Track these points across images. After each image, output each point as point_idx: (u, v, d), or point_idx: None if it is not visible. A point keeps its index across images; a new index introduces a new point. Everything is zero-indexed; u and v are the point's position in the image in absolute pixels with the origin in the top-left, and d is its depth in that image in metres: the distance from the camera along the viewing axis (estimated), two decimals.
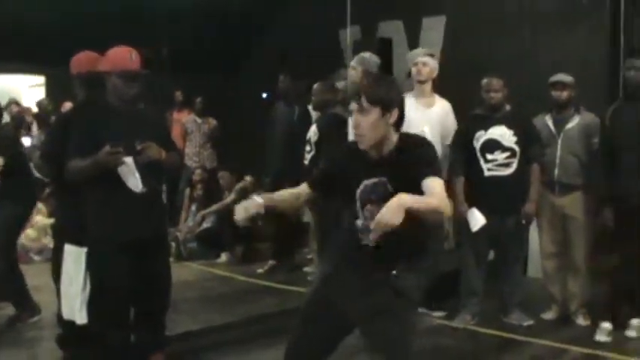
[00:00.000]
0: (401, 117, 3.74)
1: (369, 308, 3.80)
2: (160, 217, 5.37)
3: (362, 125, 3.66)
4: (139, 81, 5.03)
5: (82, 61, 5.51)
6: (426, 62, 6.99)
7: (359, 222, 3.85)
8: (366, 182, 3.77)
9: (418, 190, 3.55)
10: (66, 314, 5.42)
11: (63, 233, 5.56)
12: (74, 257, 5.28)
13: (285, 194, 4.08)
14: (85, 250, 5.14)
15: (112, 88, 5.00)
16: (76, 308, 5.26)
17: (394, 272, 3.78)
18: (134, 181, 4.92)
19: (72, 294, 5.31)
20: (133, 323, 5.29)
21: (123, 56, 5.01)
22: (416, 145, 3.77)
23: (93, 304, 5.13)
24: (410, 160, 3.66)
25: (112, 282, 4.99)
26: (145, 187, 4.96)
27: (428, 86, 7.03)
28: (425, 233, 3.89)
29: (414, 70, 7.02)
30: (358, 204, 3.82)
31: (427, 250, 3.97)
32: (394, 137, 3.74)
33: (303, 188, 4.05)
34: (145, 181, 4.96)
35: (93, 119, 5.01)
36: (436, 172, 3.64)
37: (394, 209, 3.36)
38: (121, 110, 4.99)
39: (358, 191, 3.80)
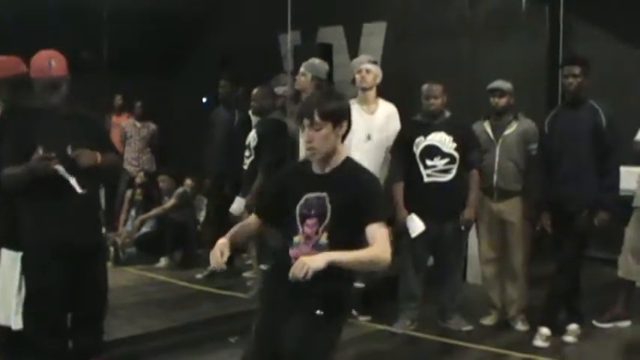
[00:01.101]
0: (348, 127, 3.86)
1: (294, 318, 3.78)
2: (96, 221, 5.28)
3: (315, 139, 3.76)
4: (60, 87, 4.92)
5: (6, 64, 5.35)
6: (369, 69, 7.01)
7: (296, 238, 3.86)
8: (307, 196, 3.83)
9: (354, 214, 3.68)
10: (1, 319, 5.28)
11: None
12: (10, 262, 5.16)
13: (238, 229, 4.12)
14: (20, 254, 5.04)
15: (37, 93, 4.91)
16: (11, 313, 5.14)
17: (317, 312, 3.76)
18: (73, 184, 4.84)
19: (7, 299, 5.18)
20: (71, 329, 5.19)
21: (42, 64, 4.91)
22: (361, 171, 3.88)
23: (27, 309, 5.02)
24: (352, 183, 3.77)
25: (47, 287, 4.90)
26: (84, 190, 4.88)
27: (372, 93, 7.06)
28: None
29: (357, 77, 7.03)
30: (298, 219, 3.84)
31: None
32: (341, 153, 3.87)
33: (252, 218, 4.12)
34: (81, 184, 4.87)
35: (23, 124, 4.89)
36: (381, 218, 3.72)
37: (305, 264, 3.46)
38: (51, 114, 4.89)
39: (298, 206, 3.84)
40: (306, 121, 3.77)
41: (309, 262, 3.45)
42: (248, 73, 8.81)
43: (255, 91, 7.68)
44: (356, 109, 6.83)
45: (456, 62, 9.75)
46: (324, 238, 3.76)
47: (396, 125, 7.12)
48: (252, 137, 7.52)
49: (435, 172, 6.65)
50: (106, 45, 11.58)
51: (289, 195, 3.90)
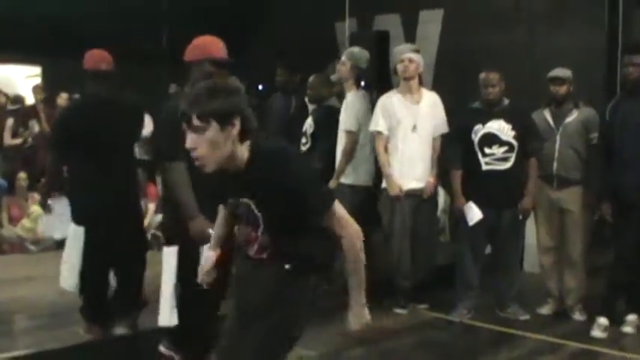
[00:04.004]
0: (246, 126, 3.13)
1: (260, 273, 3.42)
2: None
3: (199, 146, 3.07)
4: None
5: (95, 57, 5.78)
6: (412, 59, 6.98)
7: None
8: (237, 200, 3.34)
9: (292, 218, 3.20)
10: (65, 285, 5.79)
11: None
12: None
13: (218, 231, 3.80)
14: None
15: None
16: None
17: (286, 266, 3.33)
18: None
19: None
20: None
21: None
22: (278, 167, 3.18)
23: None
24: (274, 186, 3.14)
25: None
26: None
27: (415, 82, 7.04)
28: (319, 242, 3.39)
29: (400, 67, 7.02)
30: (244, 220, 3.38)
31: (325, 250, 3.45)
32: (244, 151, 3.17)
33: (222, 212, 3.76)
34: None
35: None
36: (327, 208, 3.21)
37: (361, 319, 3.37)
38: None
39: (239, 210, 3.38)
40: (184, 124, 3.08)
41: (364, 320, 3.36)
42: (305, 61, 8.82)
43: (311, 78, 7.70)
44: (399, 100, 6.93)
45: (513, 49, 9.66)
46: (265, 241, 3.32)
47: (441, 114, 7.13)
48: (308, 124, 7.55)
49: (493, 160, 6.63)
50: (166, 35, 11.69)
51: (230, 198, 3.43)
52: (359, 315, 3.35)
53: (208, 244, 3.85)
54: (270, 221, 3.25)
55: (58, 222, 5.79)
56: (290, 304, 3.36)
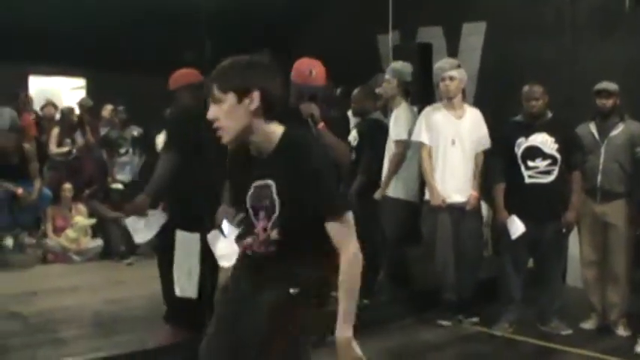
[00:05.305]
0: (268, 101, 3.18)
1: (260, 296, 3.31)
2: None
3: (218, 115, 3.18)
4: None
5: (189, 74, 6.22)
6: (452, 77, 6.98)
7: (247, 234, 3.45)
8: (255, 185, 3.31)
9: (306, 205, 3.17)
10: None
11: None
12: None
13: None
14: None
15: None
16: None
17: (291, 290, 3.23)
18: None
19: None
20: None
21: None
22: (295, 145, 3.21)
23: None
24: (295, 165, 3.16)
25: None
26: None
27: (457, 99, 7.05)
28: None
29: (441, 85, 7.03)
30: (251, 212, 3.36)
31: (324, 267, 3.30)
32: (270, 131, 3.23)
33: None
34: None
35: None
36: (340, 210, 3.17)
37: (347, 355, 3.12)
38: None
39: (248, 197, 3.35)
40: (209, 98, 3.23)
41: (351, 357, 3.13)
42: (346, 74, 8.84)
43: (355, 91, 7.71)
44: (442, 114, 6.95)
45: (557, 62, 9.61)
46: (274, 234, 3.27)
47: (483, 130, 7.12)
48: (352, 137, 7.55)
49: (536, 174, 6.61)
50: (208, 46, 11.78)
51: (239, 184, 3.42)
52: (344, 348, 3.13)
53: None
54: (285, 209, 3.22)
55: (144, 227, 5.81)
56: (290, 341, 3.26)
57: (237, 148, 3.35)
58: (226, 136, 3.20)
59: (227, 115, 3.15)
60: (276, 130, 3.23)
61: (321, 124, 5.33)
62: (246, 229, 3.44)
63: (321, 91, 5.51)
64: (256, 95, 3.14)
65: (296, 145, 3.21)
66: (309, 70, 5.42)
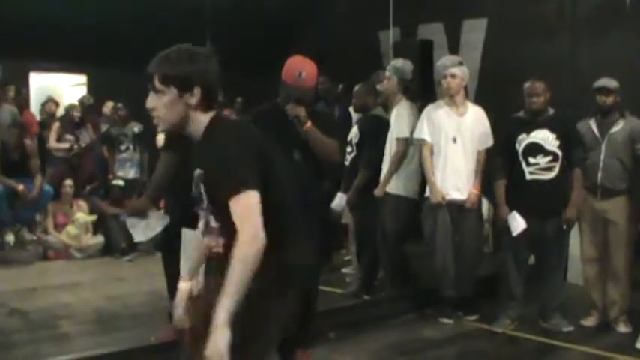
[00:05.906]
0: (208, 96, 3.13)
1: None
2: None
3: (157, 106, 3.12)
4: None
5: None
6: (454, 74, 6.97)
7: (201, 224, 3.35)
8: (195, 173, 3.22)
9: (218, 191, 3.07)
10: None
11: None
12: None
13: (195, 251, 3.64)
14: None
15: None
16: None
17: None
18: None
19: None
20: None
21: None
22: (215, 136, 3.13)
23: None
24: (205, 148, 3.14)
25: None
26: None
27: (459, 96, 7.04)
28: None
29: (443, 82, 7.03)
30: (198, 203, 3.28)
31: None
32: (203, 120, 3.16)
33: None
34: None
35: None
36: (234, 187, 2.98)
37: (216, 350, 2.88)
38: None
39: (193, 183, 3.25)
40: (149, 84, 3.14)
41: (217, 349, 2.87)
42: (347, 70, 8.84)
43: (357, 88, 7.70)
44: (444, 111, 6.94)
45: (557, 59, 9.61)
46: (213, 222, 3.22)
47: (486, 127, 7.12)
48: (354, 133, 7.56)
49: (537, 170, 6.60)
50: (209, 44, 11.78)
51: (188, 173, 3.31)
52: (213, 337, 2.90)
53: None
54: (210, 195, 3.16)
55: (144, 226, 5.84)
56: (251, 318, 3.06)
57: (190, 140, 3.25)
58: (162, 126, 3.20)
59: (166, 107, 3.11)
60: (206, 119, 3.17)
61: (308, 124, 5.29)
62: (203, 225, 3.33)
63: (310, 93, 5.43)
64: (197, 91, 3.09)
65: (212, 130, 3.14)
66: (299, 71, 5.35)
